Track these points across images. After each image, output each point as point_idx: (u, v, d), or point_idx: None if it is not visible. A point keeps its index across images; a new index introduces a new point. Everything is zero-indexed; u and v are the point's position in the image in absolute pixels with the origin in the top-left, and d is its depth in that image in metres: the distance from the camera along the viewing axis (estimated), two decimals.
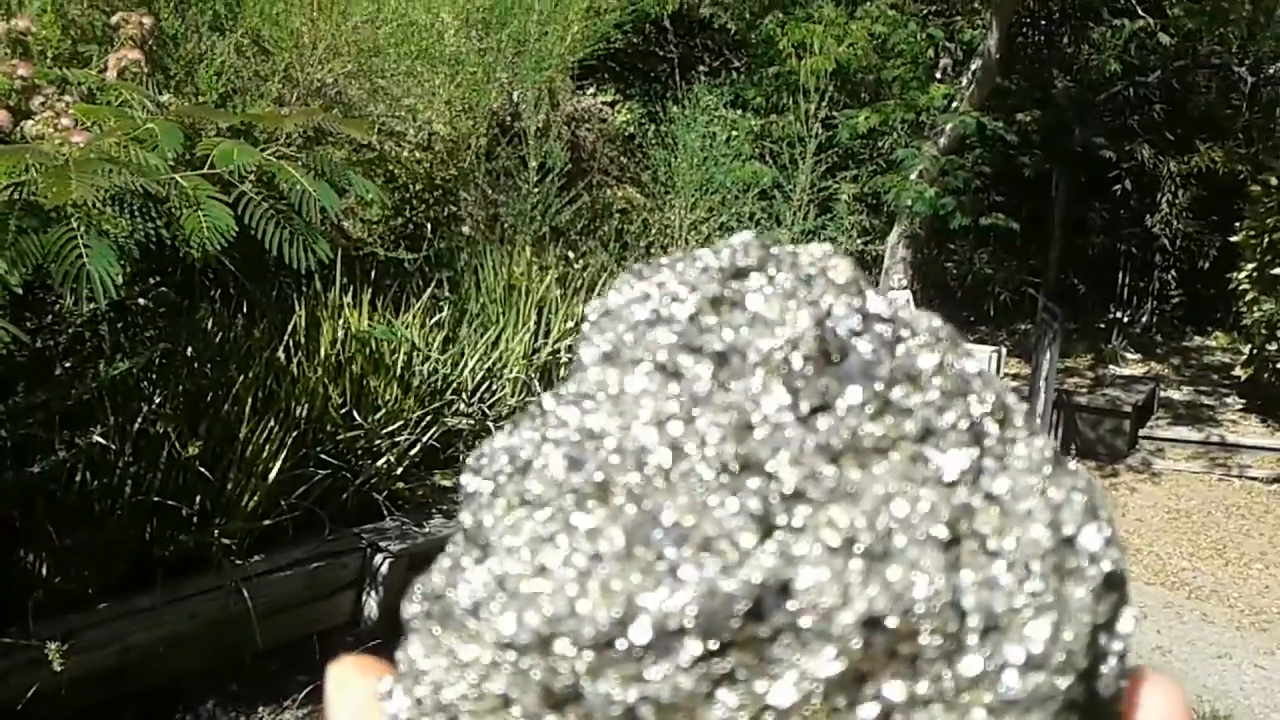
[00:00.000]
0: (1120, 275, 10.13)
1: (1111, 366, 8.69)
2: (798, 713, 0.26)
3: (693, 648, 0.26)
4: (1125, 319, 9.91)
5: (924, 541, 0.27)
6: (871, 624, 0.26)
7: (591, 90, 7.92)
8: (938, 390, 0.29)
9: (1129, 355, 9.04)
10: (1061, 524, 0.28)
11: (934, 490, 0.28)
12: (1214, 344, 9.56)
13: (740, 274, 0.30)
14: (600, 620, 0.26)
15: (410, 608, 0.29)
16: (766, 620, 0.26)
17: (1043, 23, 10.01)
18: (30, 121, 2.78)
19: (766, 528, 0.27)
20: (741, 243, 0.31)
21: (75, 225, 2.34)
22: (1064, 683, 0.27)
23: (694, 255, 0.31)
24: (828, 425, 0.28)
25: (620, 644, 0.26)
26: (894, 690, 0.27)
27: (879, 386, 0.29)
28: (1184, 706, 0.32)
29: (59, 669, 2.62)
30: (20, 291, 2.52)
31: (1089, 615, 0.28)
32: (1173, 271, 10.07)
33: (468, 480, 0.30)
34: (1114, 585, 0.29)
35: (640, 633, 0.26)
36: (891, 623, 0.26)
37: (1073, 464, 0.30)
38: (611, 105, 8.04)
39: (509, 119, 5.88)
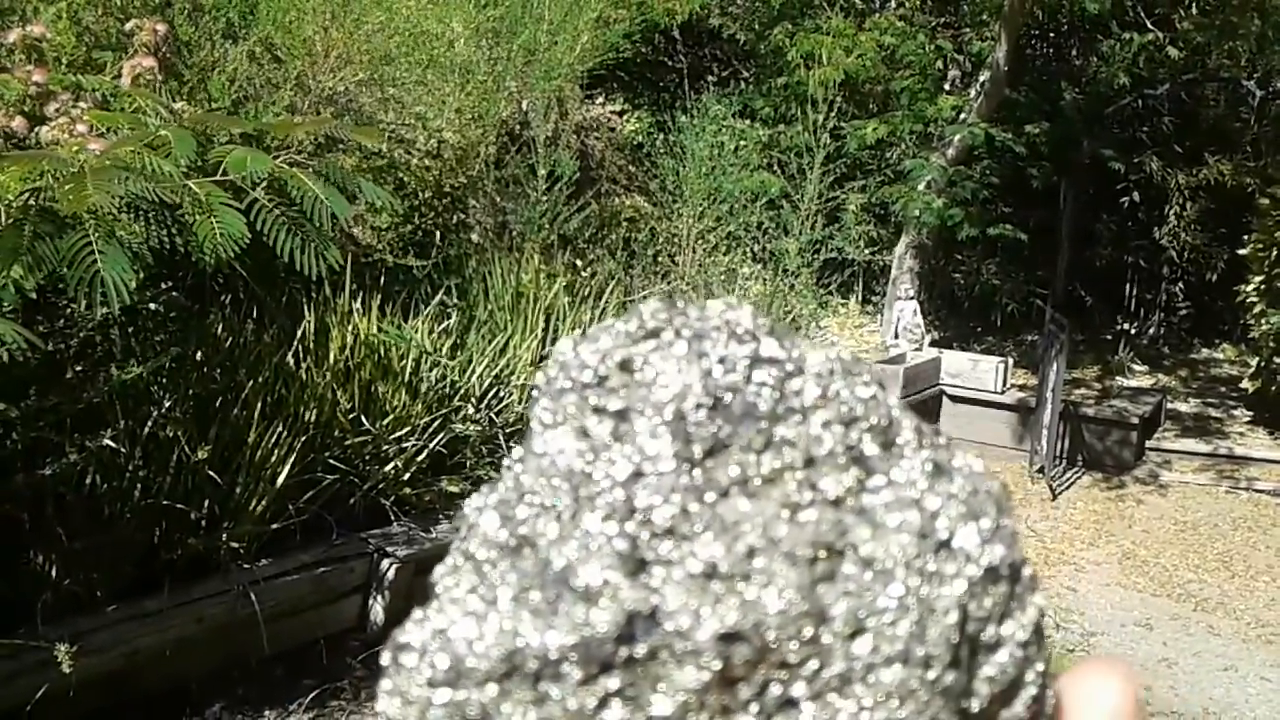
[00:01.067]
0: (1128, 287, 10.12)
1: (1119, 378, 8.68)
2: None
3: (574, 674, 0.30)
4: (1133, 331, 9.90)
5: (783, 560, 0.30)
6: (729, 638, 0.30)
7: (600, 99, 7.95)
8: (820, 421, 0.32)
9: (1136, 367, 9.03)
10: (935, 530, 0.31)
11: (818, 511, 0.31)
12: (1221, 356, 9.54)
13: (650, 335, 0.33)
14: (494, 657, 0.31)
15: (384, 654, 0.32)
16: (640, 643, 0.30)
17: (1051, 35, 10.03)
18: (45, 127, 2.80)
19: (637, 563, 0.31)
20: (650, 308, 0.34)
21: (90, 231, 2.36)
22: (931, 674, 0.30)
23: (610, 323, 0.35)
24: (716, 465, 0.31)
25: (515, 677, 0.30)
26: (770, 693, 0.30)
27: (763, 424, 0.32)
28: (1134, 700, 0.33)
29: (68, 670, 2.63)
30: (34, 296, 2.55)
31: (955, 611, 0.31)
32: (1180, 284, 10.06)
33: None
34: (998, 579, 0.32)
35: (529, 665, 0.30)
36: (748, 635, 0.30)
37: (970, 467, 0.34)
38: (620, 114, 8.07)
39: (518, 127, 5.91)
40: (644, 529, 0.31)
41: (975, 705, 0.31)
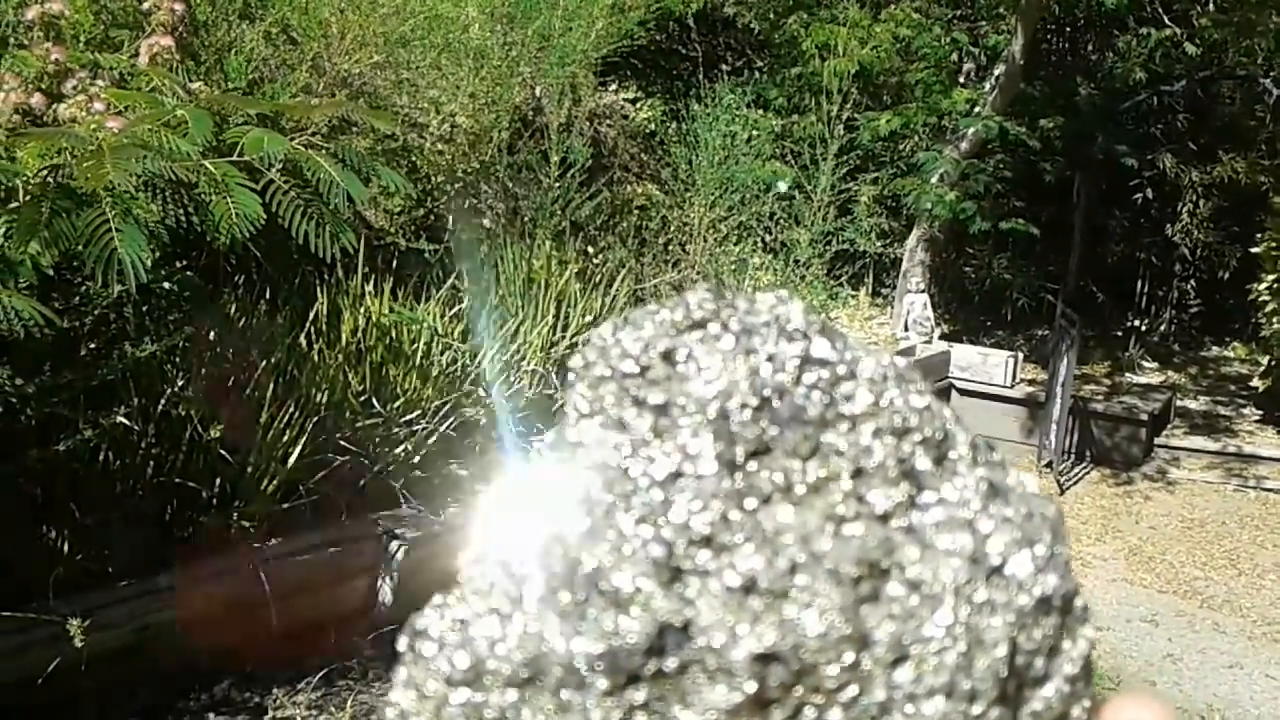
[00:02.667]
0: (1139, 284, 10.08)
1: (1129, 374, 8.66)
2: None
3: (600, 684, 0.28)
4: (1143, 327, 9.87)
5: (827, 578, 0.29)
6: (765, 659, 0.28)
7: (614, 87, 7.94)
8: (871, 430, 0.31)
9: (1146, 364, 9.00)
10: (987, 555, 0.30)
11: (864, 527, 0.30)
12: (1232, 355, 9.51)
13: (696, 326, 0.32)
14: (516, 661, 0.29)
15: (401, 639, 0.31)
16: (671, 657, 0.28)
17: (1067, 29, 9.98)
18: (63, 105, 2.81)
19: (672, 572, 0.29)
20: (697, 297, 0.33)
21: (107, 209, 2.37)
22: (976, 710, 0.29)
23: (654, 309, 0.33)
24: (759, 469, 0.30)
25: (537, 683, 0.29)
26: (805, 718, 0.28)
27: (810, 430, 0.30)
28: None
29: (80, 645, 2.65)
30: (51, 273, 2.56)
31: (1005, 643, 0.29)
32: (1192, 281, 10.02)
33: None
34: (1049, 610, 0.30)
35: (553, 672, 0.29)
36: (786, 657, 0.28)
37: (1025, 487, 0.32)
38: (633, 102, 8.05)
39: (531, 114, 5.90)
40: (681, 536, 0.29)
41: None
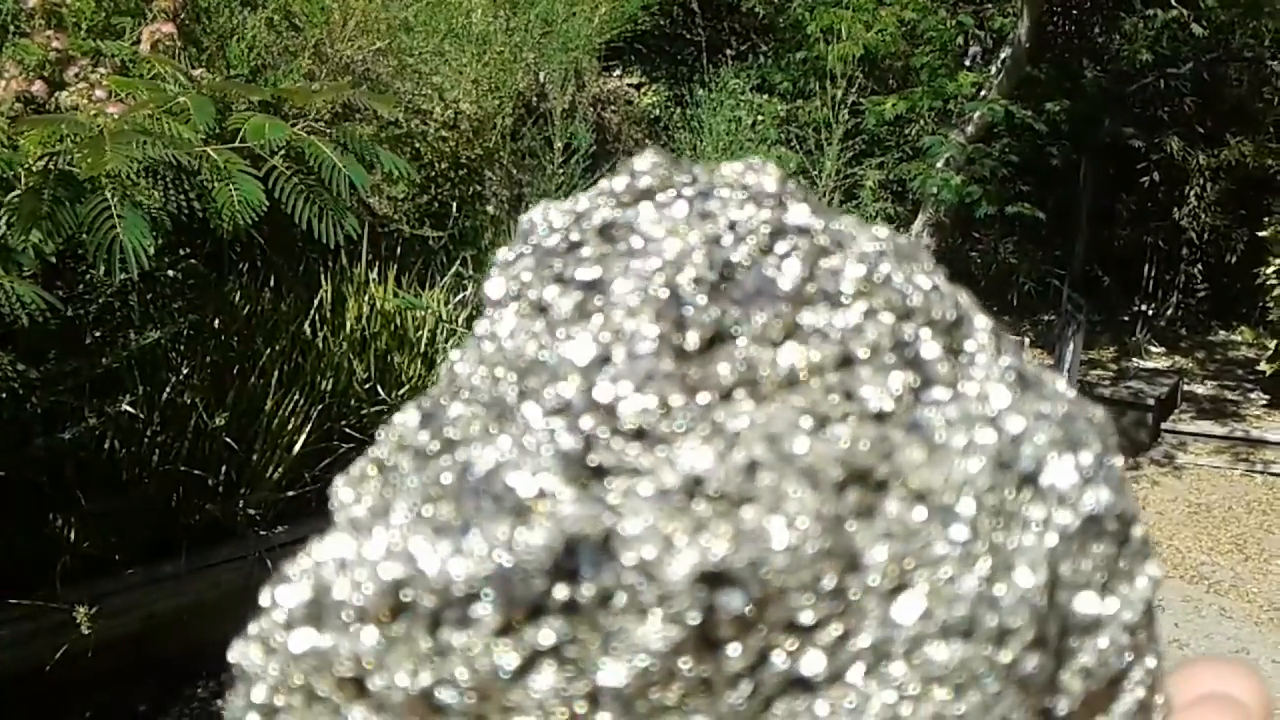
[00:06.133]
0: (1146, 268, 10.05)
1: (1135, 359, 8.64)
2: (642, 696, 0.21)
3: (489, 618, 0.21)
4: (1150, 312, 9.84)
5: (799, 479, 0.22)
6: (713, 580, 0.21)
7: (618, 72, 7.91)
8: (862, 309, 0.24)
9: (1153, 348, 8.98)
10: (1017, 458, 0.23)
11: (853, 426, 0.23)
12: (1239, 339, 9.48)
13: (643, 196, 0.25)
14: (373, 589, 0.22)
15: (265, 589, 0.25)
16: (586, 581, 0.21)
17: (1074, 12, 9.92)
18: (65, 92, 2.80)
19: (589, 471, 0.22)
20: (645, 162, 0.26)
21: (109, 196, 2.36)
22: (1005, 656, 0.22)
23: (595, 184, 0.27)
24: (716, 360, 0.23)
25: (403, 620, 0.22)
26: (771, 667, 0.21)
27: (784, 308, 0.24)
28: (1268, 711, 0.25)
29: (87, 632, 2.66)
30: (54, 260, 2.56)
31: (1043, 569, 0.22)
32: (1199, 265, 9.99)
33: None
34: (1100, 534, 0.24)
35: (424, 603, 0.22)
36: (743, 578, 0.21)
37: (1059, 387, 0.25)
38: (637, 87, 8.03)
39: (535, 99, 5.88)
40: (604, 424, 0.22)
41: (1062, 707, 0.23)
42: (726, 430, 0.22)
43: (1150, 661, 0.24)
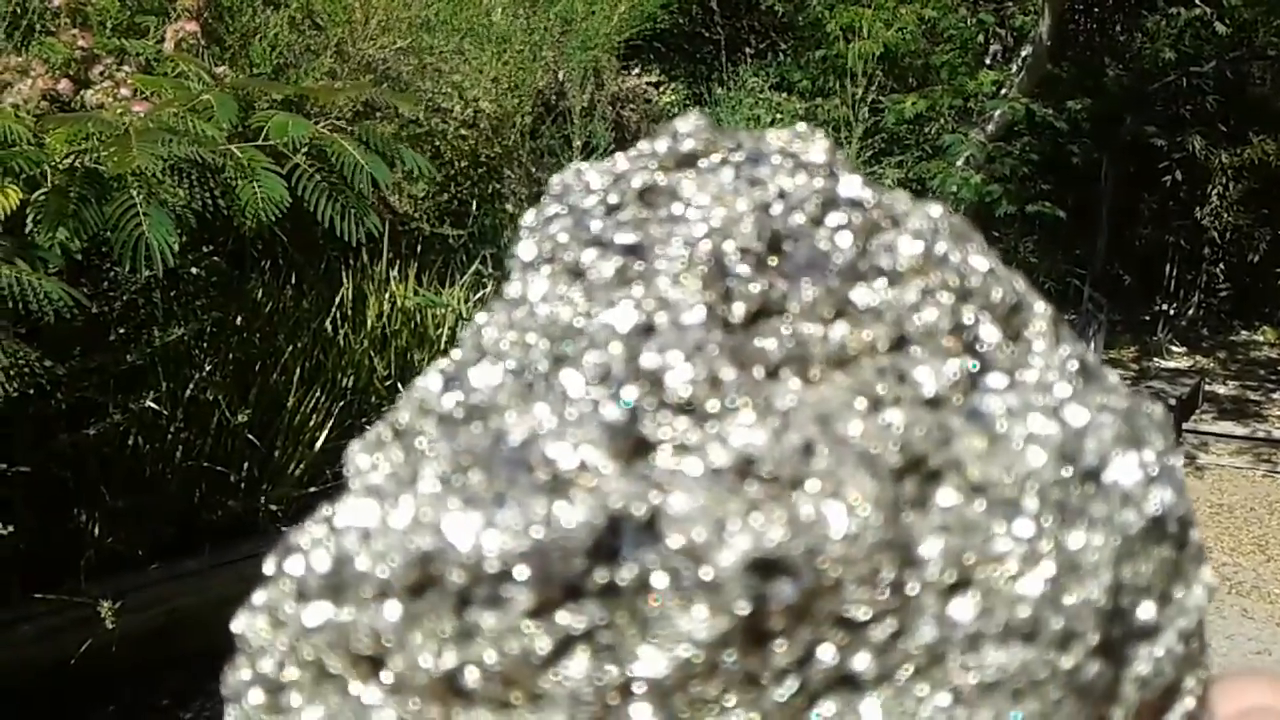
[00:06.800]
0: (1167, 267, 9.99)
1: (1156, 359, 8.59)
2: (681, 689, 0.20)
3: (521, 598, 0.20)
4: (1171, 311, 9.78)
5: (858, 463, 0.21)
6: (765, 569, 0.20)
7: (636, 70, 7.91)
8: (919, 287, 0.23)
9: (1174, 348, 8.92)
10: (1080, 453, 0.22)
11: (907, 412, 0.21)
12: (1261, 339, 9.41)
13: (685, 162, 0.24)
14: (397, 563, 0.21)
15: (268, 560, 0.24)
16: (628, 562, 0.20)
17: (1096, 10, 9.86)
18: (90, 91, 2.83)
19: (635, 445, 0.21)
20: (689, 124, 0.25)
21: (134, 194, 2.38)
22: (1068, 661, 0.21)
23: (635, 146, 0.25)
24: (764, 335, 0.22)
25: (430, 596, 0.21)
26: (818, 663, 0.20)
27: (835, 283, 0.22)
28: None
29: (111, 627, 2.68)
30: (79, 258, 2.58)
31: (1109, 571, 0.21)
32: (1221, 264, 9.92)
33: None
34: (1162, 537, 0.22)
35: (451, 578, 0.20)
36: (797, 568, 0.20)
37: (1116, 379, 0.24)
38: (656, 86, 8.02)
39: (554, 98, 5.89)
40: (650, 396, 0.21)
41: (1119, 715, 0.22)
42: (777, 409, 0.21)
43: (1202, 672, 0.24)
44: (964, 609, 0.20)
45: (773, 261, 0.23)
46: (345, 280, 3.78)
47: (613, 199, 0.24)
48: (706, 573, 0.20)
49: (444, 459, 0.22)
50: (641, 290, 0.22)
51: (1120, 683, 0.22)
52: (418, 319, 3.94)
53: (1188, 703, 0.23)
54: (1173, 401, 7.23)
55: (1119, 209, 9.64)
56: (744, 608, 0.20)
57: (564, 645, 0.20)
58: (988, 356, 0.22)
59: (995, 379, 0.22)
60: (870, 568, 0.20)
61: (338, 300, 3.73)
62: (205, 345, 3.31)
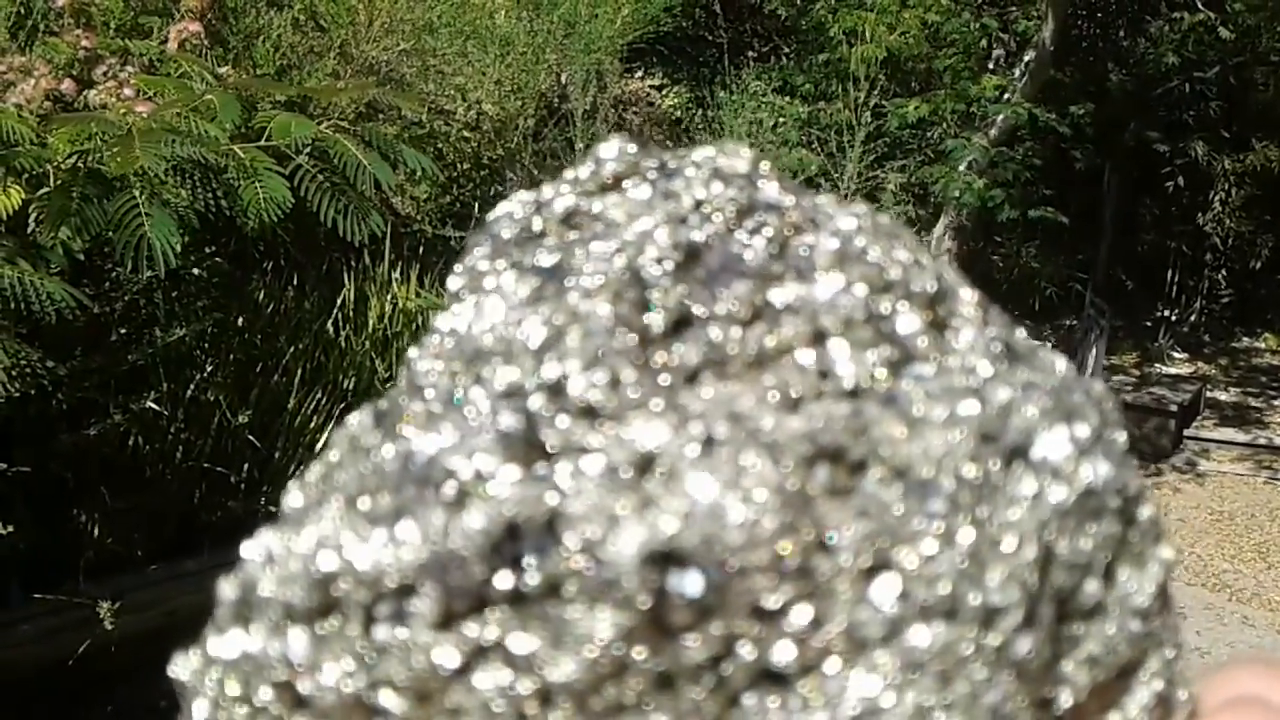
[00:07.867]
0: (1170, 273, 9.98)
1: (1158, 365, 8.58)
2: (595, 692, 0.20)
3: (427, 611, 0.20)
4: (1173, 317, 9.77)
5: (761, 451, 0.20)
6: (662, 560, 0.20)
7: (639, 74, 7.91)
8: (835, 285, 0.23)
9: (1176, 354, 8.91)
10: (1004, 430, 0.22)
11: (825, 403, 0.21)
12: (1263, 345, 9.40)
13: (609, 186, 0.25)
14: (302, 584, 0.21)
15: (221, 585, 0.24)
16: (531, 569, 0.20)
17: (1099, 15, 9.86)
18: (94, 91, 2.83)
19: (534, 452, 0.21)
20: (612, 148, 0.25)
21: (137, 194, 2.38)
22: (993, 638, 0.20)
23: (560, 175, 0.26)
24: (681, 343, 0.22)
25: (335, 615, 0.21)
26: (738, 659, 0.20)
27: (751, 285, 0.22)
28: None
29: (110, 627, 2.68)
30: (82, 258, 2.57)
31: (1032, 545, 0.21)
32: (1223, 271, 9.91)
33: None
34: (1100, 510, 0.22)
35: (356, 597, 0.20)
36: (696, 557, 0.20)
37: (1052, 359, 0.24)
38: (659, 89, 8.03)
39: (557, 100, 5.89)
40: (550, 403, 0.21)
41: (1066, 698, 0.21)
42: (686, 408, 0.21)
43: (1168, 652, 0.23)
44: (883, 592, 0.20)
45: (690, 269, 0.23)
46: (347, 281, 3.78)
47: (535, 226, 0.24)
48: (606, 570, 0.20)
49: (351, 483, 0.22)
50: (552, 307, 0.22)
51: (1064, 663, 0.21)
52: (420, 321, 3.93)
53: (1155, 685, 0.22)
54: (1174, 407, 7.22)
55: (1121, 214, 9.64)
56: (645, 601, 0.19)
57: (474, 656, 0.20)
58: (907, 344, 0.22)
59: (919, 367, 0.22)
60: (773, 554, 0.20)
61: (340, 301, 3.73)
62: (206, 346, 3.31)
